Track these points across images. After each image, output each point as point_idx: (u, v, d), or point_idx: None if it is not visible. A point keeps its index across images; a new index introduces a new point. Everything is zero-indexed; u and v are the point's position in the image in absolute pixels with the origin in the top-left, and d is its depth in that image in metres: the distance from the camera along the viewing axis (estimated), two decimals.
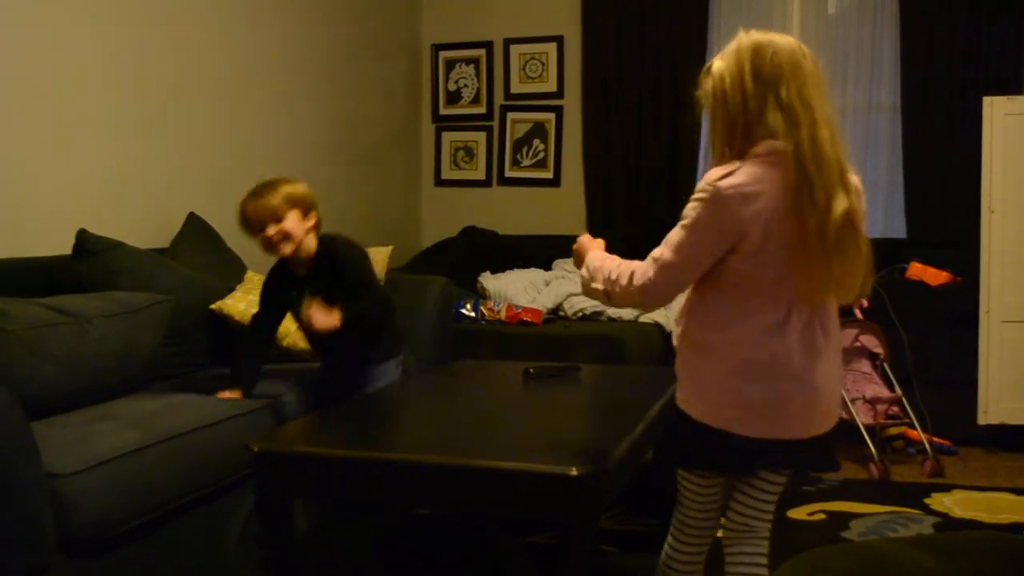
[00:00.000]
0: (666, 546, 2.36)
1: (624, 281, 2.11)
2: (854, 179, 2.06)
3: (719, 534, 2.33)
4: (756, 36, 2.06)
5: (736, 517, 2.26)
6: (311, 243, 3.17)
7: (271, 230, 3.06)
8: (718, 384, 2.11)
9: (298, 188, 3.16)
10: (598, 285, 2.18)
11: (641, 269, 2.10)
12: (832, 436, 2.17)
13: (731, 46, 2.08)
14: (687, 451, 2.23)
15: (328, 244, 3.21)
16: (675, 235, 2.05)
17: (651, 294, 2.09)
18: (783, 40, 2.06)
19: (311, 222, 3.16)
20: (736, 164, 2.01)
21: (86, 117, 3.71)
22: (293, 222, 3.09)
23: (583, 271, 2.26)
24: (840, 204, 1.97)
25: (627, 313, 5.01)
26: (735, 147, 2.04)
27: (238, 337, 3.40)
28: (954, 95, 5.37)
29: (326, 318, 2.97)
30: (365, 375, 3.27)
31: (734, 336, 2.07)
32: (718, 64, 2.08)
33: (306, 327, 3.09)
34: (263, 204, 3.06)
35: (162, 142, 4.09)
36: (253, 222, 3.08)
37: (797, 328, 2.05)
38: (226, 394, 3.11)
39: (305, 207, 3.14)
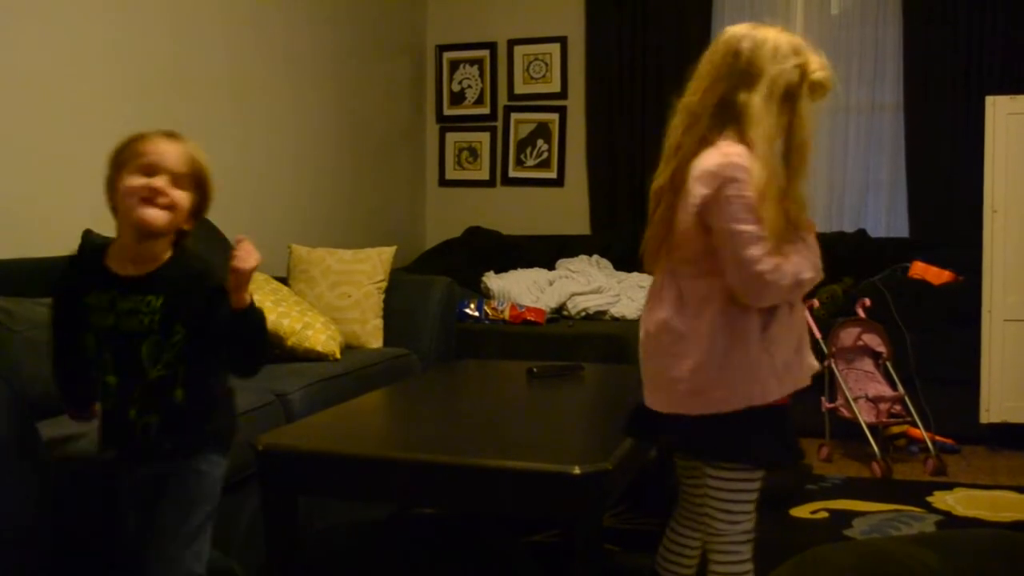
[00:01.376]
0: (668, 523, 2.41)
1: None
2: (710, 161, 2.03)
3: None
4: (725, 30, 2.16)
5: (706, 520, 2.20)
6: (166, 243, 2.33)
7: (160, 181, 2.25)
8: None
9: (210, 175, 2.45)
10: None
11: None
12: (708, 424, 2.10)
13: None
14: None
15: (200, 260, 2.44)
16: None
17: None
18: (726, 32, 2.13)
19: (188, 222, 2.38)
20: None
21: (90, 117, 3.71)
22: (183, 197, 2.29)
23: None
24: (659, 179, 2.16)
25: (630, 312, 5.02)
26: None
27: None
28: (957, 94, 5.37)
29: (253, 256, 2.32)
30: (173, 468, 2.25)
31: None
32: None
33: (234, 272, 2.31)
34: (177, 149, 2.35)
35: None
36: (151, 160, 2.28)
37: (648, 297, 2.23)
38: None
39: (203, 198, 2.41)
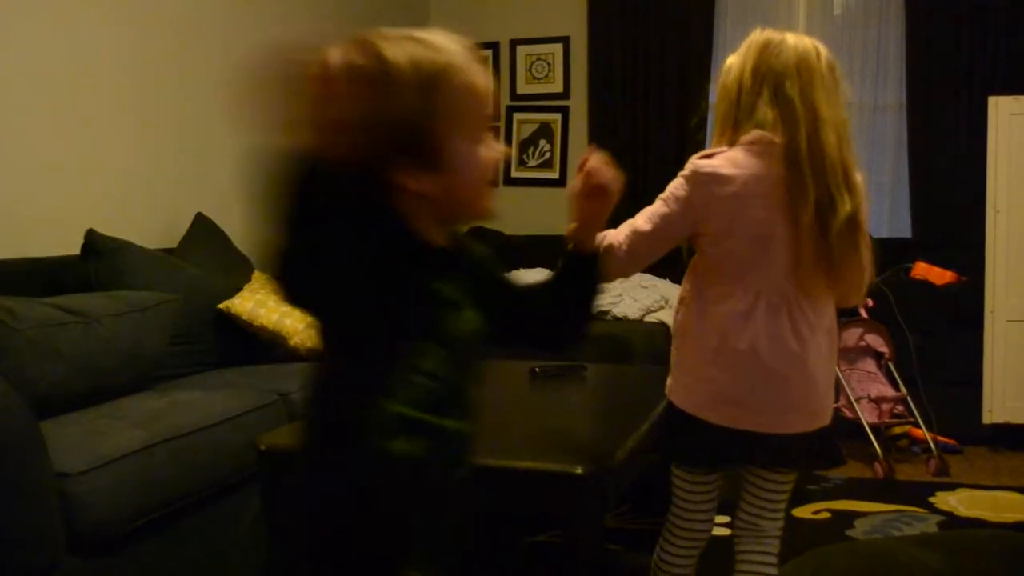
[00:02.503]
0: (657, 546, 2.38)
1: (603, 244, 2.05)
2: (858, 180, 2.06)
3: (728, 532, 2.33)
4: (768, 34, 2.09)
5: (743, 515, 2.26)
6: None
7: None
8: (693, 370, 2.13)
9: None
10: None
11: (613, 233, 2.12)
12: (825, 434, 2.15)
13: (745, 41, 2.12)
14: (668, 440, 2.24)
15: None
16: (652, 207, 2.11)
17: (615, 255, 2.10)
18: (795, 40, 2.07)
19: None
20: (723, 148, 2.07)
21: (95, 118, 3.72)
22: None
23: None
24: (845, 206, 1.99)
25: (633, 312, 5.01)
26: (727, 137, 2.10)
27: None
28: (959, 95, 5.37)
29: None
30: None
31: (707, 322, 2.09)
32: (730, 59, 2.14)
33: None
34: None
35: (170, 143, 4.10)
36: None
37: (766, 319, 2.04)
38: None
39: None
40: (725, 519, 2.46)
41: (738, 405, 2.08)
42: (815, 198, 1.98)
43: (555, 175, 6.33)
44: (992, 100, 4.51)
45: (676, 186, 2.09)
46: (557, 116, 6.31)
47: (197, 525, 2.73)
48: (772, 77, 2.03)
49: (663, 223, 2.09)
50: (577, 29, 6.20)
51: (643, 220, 2.11)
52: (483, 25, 6.39)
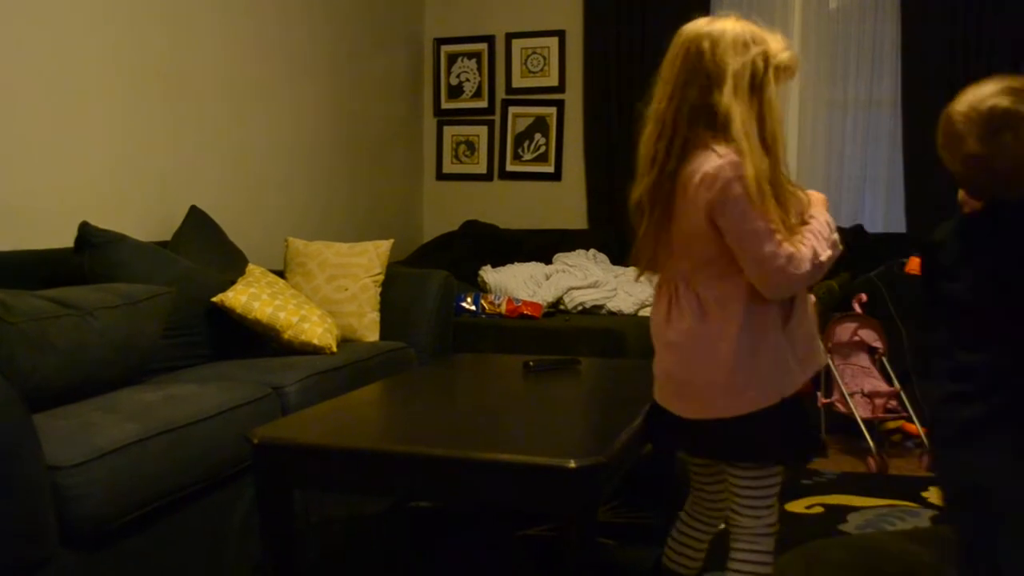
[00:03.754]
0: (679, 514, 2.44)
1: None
2: (708, 165, 2.05)
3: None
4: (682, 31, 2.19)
5: (729, 513, 2.28)
6: None
7: None
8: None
9: None
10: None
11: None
12: (737, 425, 2.14)
13: None
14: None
15: None
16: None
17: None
18: (682, 33, 2.17)
19: None
20: None
21: (88, 110, 3.72)
22: None
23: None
24: (637, 190, 2.15)
25: (627, 306, 5.02)
26: None
27: None
28: (954, 90, 5.31)
29: None
30: None
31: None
32: None
33: None
34: None
35: (164, 136, 4.10)
36: None
37: (663, 306, 2.21)
38: None
39: None
40: None
41: (658, 385, 2.30)
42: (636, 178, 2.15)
43: (550, 169, 6.33)
44: None
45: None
46: (552, 110, 6.30)
47: (191, 518, 2.73)
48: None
49: None
50: (573, 22, 6.20)
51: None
52: (479, 18, 6.40)
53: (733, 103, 2.04)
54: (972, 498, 1.86)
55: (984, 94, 1.95)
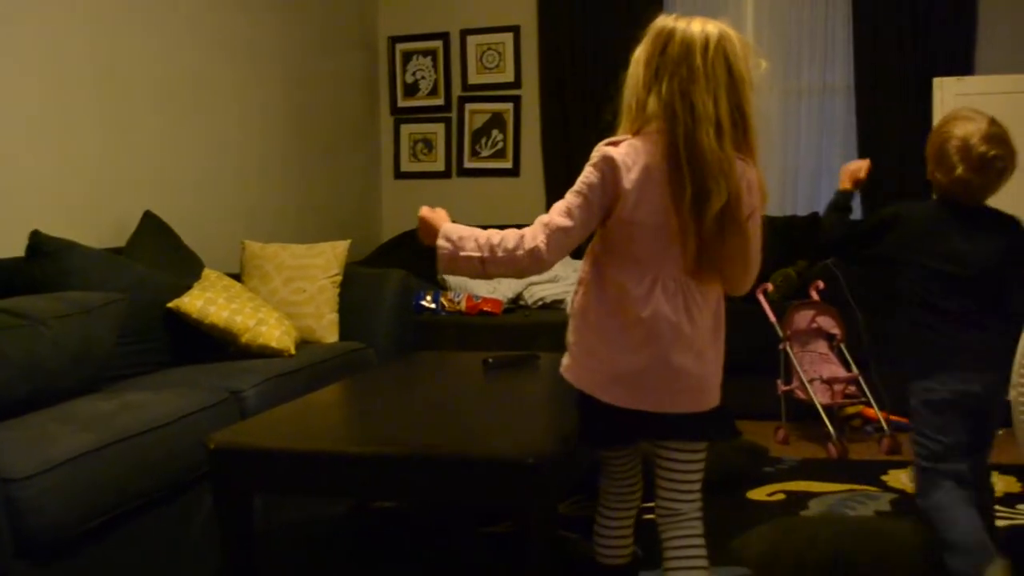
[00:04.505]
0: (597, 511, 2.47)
1: (510, 245, 2.13)
2: (751, 174, 2.12)
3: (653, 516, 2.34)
4: (664, 22, 2.17)
5: (661, 501, 2.28)
6: None
7: None
8: (590, 350, 2.20)
9: None
10: (469, 252, 2.15)
11: (531, 234, 2.13)
12: (718, 413, 2.22)
13: (648, 29, 2.19)
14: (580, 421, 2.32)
15: None
16: (566, 201, 2.14)
17: (540, 258, 2.12)
18: (687, 29, 2.11)
19: None
20: (627, 136, 2.14)
21: (38, 115, 3.67)
22: None
23: (442, 242, 2.21)
24: (719, 199, 2.05)
25: None
26: (628, 127, 2.17)
27: None
28: (906, 76, 5.42)
29: None
30: None
31: (606, 305, 2.17)
32: (638, 48, 2.19)
33: None
34: None
35: (114, 140, 4.05)
36: None
37: (660, 305, 2.11)
38: None
39: None
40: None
41: (629, 385, 2.15)
42: (691, 192, 2.05)
43: (508, 164, 6.33)
44: (937, 81, 4.56)
45: (587, 175, 2.13)
46: (509, 106, 6.30)
47: (149, 526, 2.72)
48: (660, 71, 2.10)
49: (583, 215, 2.12)
50: (527, 18, 6.19)
51: (561, 216, 2.13)
52: (433, 15, 6.39)
53: (751, 111, 2.12)
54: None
55: (975, 136, 2.57)
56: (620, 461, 2.43)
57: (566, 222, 2.12)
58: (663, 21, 2.16)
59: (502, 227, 6.09)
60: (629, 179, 2.09)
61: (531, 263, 2.14)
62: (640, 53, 2.15)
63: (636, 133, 2.14)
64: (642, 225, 2.10)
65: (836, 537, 3.01)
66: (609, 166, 2.10)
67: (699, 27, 2.11)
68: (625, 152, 2.10)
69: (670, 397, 2.15)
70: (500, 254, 2.13)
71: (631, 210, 2.09)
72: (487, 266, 2.16)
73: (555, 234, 2.12)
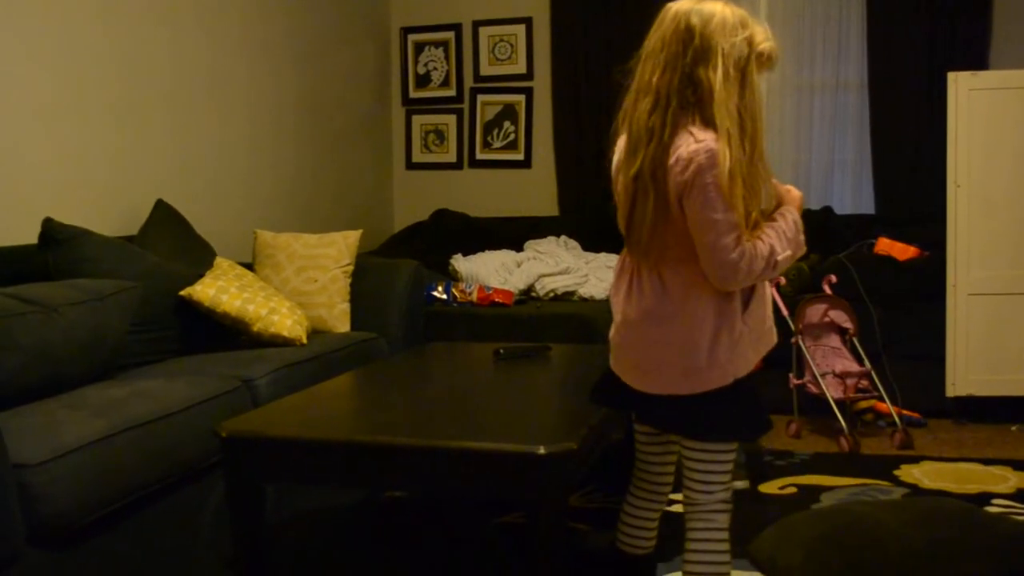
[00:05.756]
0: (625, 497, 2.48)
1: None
2: (686, 149, 2.05)
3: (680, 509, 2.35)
4: (667, 5, 2.19)
5: (684, 492, 2.30)
6: None
7: None
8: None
9: None
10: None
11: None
12: (697, 403, 2.18)
13: None
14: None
15: None
16: None
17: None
18: (671, 10, 2.16)
19: None
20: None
21: (51, 103, 3.66)
22: None
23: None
24: (633, 165, 2.11)
25: (598, 292, 5.02)
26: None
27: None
28: (920, 72, 5.38)
29: None
30: None
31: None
32: None
33: None
34: None
35: (127, 129, 4.05)
36: None
37: (618, 281, 2.27)
38: None
39: None
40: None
41: (614, 357, 2.31)
42: (624, 157, 2.15)
43: (520, 156, 6.31)
44: (952, 76, 4.53)
45: None
46: (521, 97, 6.28)
47: (160, 514, 2.71)
48: (642, 52, 2.18)
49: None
50: (540, 9, 6.17)
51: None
52: (445, 6, 6.37)
53: (718, 82, 2.04)
54: None
55: None
56: (651, 448, 2.42)
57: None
58: (665, 8, 2.20)
59: (512, 220, 6.16)
60: (613, 169, 2.24)
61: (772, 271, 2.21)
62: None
63: None
64: (618, 208, 2.22)
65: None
66: (609, 160, 2.27)
67: (684, 4, 2.13)
68: (618, 147, 2.25)
69: (628, 373, 2.26)
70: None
71: (614, 196, 2.23)
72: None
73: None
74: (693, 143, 2.04)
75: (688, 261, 2.12)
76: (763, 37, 2.12)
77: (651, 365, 2.19)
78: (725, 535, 2.25)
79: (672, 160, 2.05)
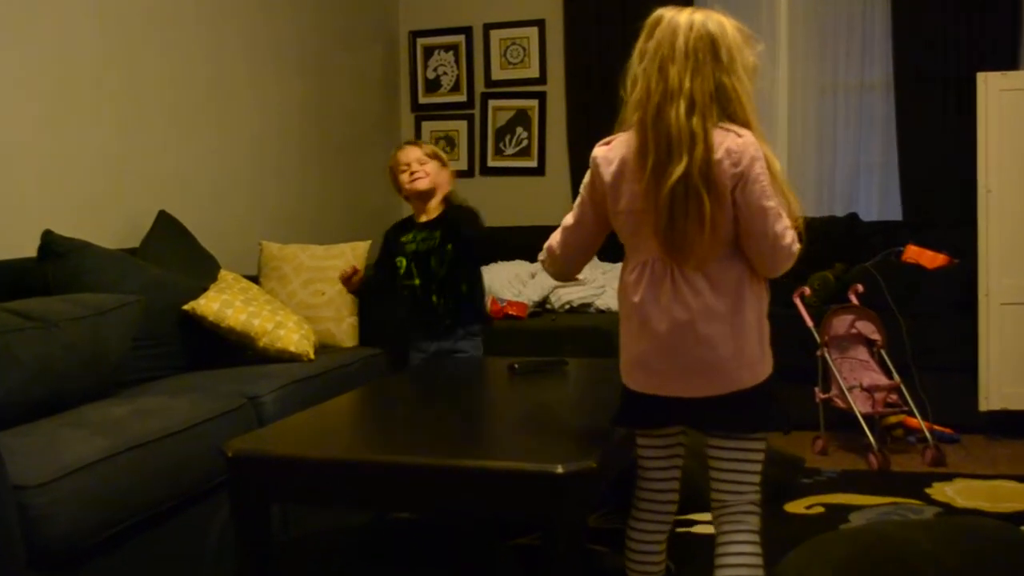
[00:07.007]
0: (628, 522, 2.41)
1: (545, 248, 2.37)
2: (733, 142, 2.09)
3: (711, 531, 2.29)
4: (659, 14, 2.21)
5: (712, 495, 2.27)
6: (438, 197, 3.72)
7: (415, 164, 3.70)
8: (622, 342, 2.27)
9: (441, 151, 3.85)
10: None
11: (552, 236, 2.36)
12: (749, 398, 2.18)
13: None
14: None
15: (455, 208, 3.70)
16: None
17: (552, 253, 2.37)
18: (678, 16, 2.17)
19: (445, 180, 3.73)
20: (618, 135, 2.24)
21: (50, 113, 3.63)
22: (433, 168, 3.72)
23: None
24: (677, 167, 2.07)
25: (616, 304, 4.92)
26: (623, 121, 2.23)
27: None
28: (948, 72, 5.29)
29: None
30: (452, 336, 3.65)
31: (621, 294, 2.27)
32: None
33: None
34: (412, 148, 3.79)
35: (128, 138, 4.01)
36: (400, 161, 3.76)
37: (649, 289, 2.17)
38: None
39: (442, 163, 3.76)
40: (707, 516, 2.41)
41: (645, 370, 2.21)
42: (652, 163, 2.09)
43: (533, 163, 6.24)
44: (981, 76, 4.44)
45: (586, 176, 2.28)
46: (534, 102, 6.21)
47: (164, 536, 2.70)
48: (644, 56, 2.18)
49: (580, 212, 2.30)
50: (552, 12, 6.10)
51: (568, 216, 2.34)
52: (455, 9, 6.33)
53: (748, 91, 2.13)
54: None
55: None
56: (656, 464, 2.35)
57: (568, 219, 2.33)
58: (658, 13, 2.21)
59: (525, 229, 6.08)
60: (608, 172, 2.19)
61: (548, 260, 2.40)
62: (636, 46, 2.22)
63: (632, 126, 2.20)
64: (627, 214, 2.18)
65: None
66: (593, 164, 2.23)
67: (688, 14, 2.17)
68: (608, 148, 2.22)
69: (679, 381, 2.18)
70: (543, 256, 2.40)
71: (614, 202, 2.20)
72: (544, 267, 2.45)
73: (561, 231, 2.34)
74: (736, 137, 2.10)
75: (737, 257, 2.16)
76: (756, 51, 2.21)
77: (707, 365, 2.16)
78: (756, 538, 2.22)
79: (720, 155, 2.08)
